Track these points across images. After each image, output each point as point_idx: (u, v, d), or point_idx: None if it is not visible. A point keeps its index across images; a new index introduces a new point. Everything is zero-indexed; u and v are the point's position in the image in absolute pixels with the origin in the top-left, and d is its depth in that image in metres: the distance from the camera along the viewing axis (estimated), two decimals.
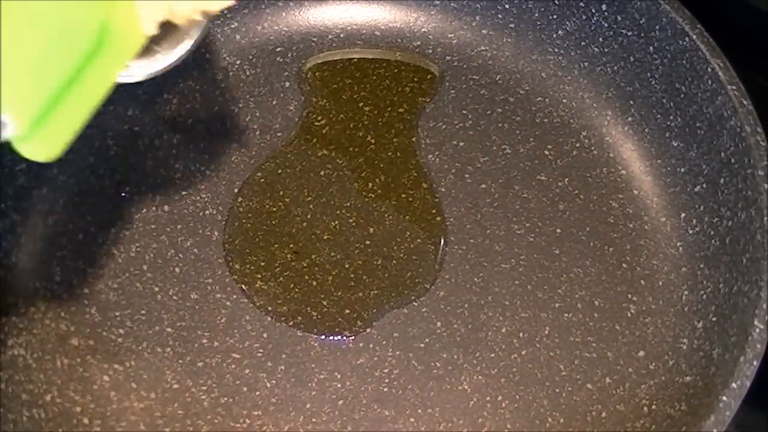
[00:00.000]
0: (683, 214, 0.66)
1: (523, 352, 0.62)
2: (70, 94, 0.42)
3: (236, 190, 0.67)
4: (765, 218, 0.58)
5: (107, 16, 0.44)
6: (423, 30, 0.75)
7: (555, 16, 0.72)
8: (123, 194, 0.66)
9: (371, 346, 0.61)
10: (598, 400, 0.60)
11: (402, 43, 0.74)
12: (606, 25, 0.70)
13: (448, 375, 0.60)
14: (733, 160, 0.62)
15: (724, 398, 0.53)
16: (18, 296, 0.61)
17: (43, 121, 0.41)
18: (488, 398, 0.60)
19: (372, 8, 0.75)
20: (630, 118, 0.70)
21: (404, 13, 0.75)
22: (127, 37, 0.47)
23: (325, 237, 0.65)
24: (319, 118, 0.70)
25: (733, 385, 0.53)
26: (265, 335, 0.61)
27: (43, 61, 0.40)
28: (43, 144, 0.42)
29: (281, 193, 0.67)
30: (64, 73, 0.42)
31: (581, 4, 0.70)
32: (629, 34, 0.69)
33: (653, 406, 0.59)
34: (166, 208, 0.66)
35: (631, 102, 0.70)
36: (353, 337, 0.61)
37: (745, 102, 0.61)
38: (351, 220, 0.66)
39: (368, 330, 0.62)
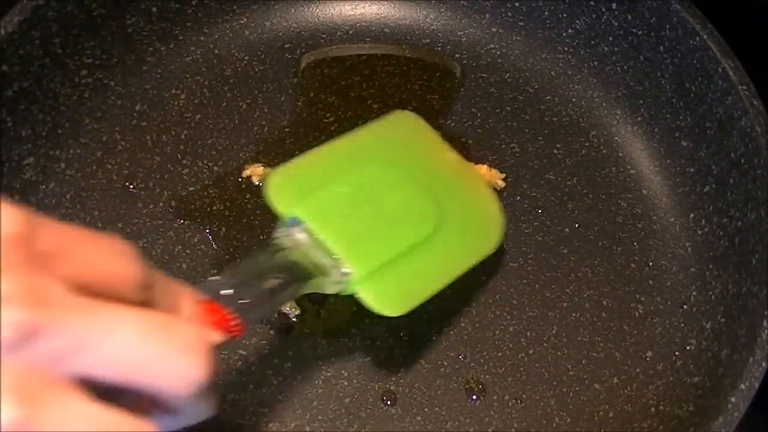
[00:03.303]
0: (692, 214, 0.66)
1: (531, 352, 0.61)
2: (407, 264, 0.52)
3: (244, 186, 0.67)
4: None
5: (441, 219, 0.54)
6: (432, 27, 0.74)
7: (565, 15, 0.72)
8: (130, 189, 0.66)
9: (378, 344, 0.61)
10: (605, 400, 0.60)
11: (411, 40, 0.74)
12: (616, 24, 0.69)
13: (455, 374, 0.60)
14: (742, 161, 0.61)
15: (733, 399, 0.52)
16: None
17: (380, 277, 0.50)
18: (495, 397, 0.60)
19: (381, 5, 0.75)
20: (639, 118, 0.70)
21: (414, 10, 0.75)
22: (483, 231, 0.59)
23: None
24: (328, 114, 0.70)
25: (742, 386, 0.53)
26: (272, 332, 0.61)
27: (381, 235, 0.52)
28: (381, 297, 0.50)
29: None
30: (398, 246, 0.52)
31: (591, 2, 0.70)
32: (639, 33, 0.68)
33: (661, 407, 0.59)
34: (173, 203, 0.66)
35: (641, 101, 0.70)
36: (360, 335, 0.61)
37: (755, 102, 0.61)
38: None
39: (375, 328, 0.62)
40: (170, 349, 0.35)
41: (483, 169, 0.67)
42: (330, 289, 0.49)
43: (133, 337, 0.34)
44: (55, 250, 0.34)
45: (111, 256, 0.37)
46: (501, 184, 0.67)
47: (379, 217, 0.53)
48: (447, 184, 0.58)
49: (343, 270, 0.49)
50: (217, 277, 0.44)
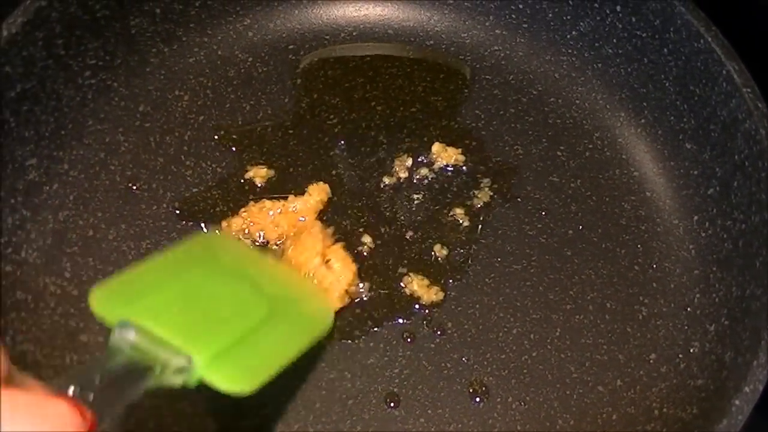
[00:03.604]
0: (696, 217, 0.66)
1: (534, 354, 0.61)
2: (246, 347, 0.53)
3: (247, 188, 0.67)
4: None
5: (271, 308, 0.56)
6: (436, 29, 0.74)
7: (569, 17, 0.72)
8: (133, 190, 0.66)
9: (381, 345, 0.61)
10: (608, 402, 0.60)
11: (415, 42, 0.74)
12: (620, 26, 0.69)
13: (459, 375, 0.60)
14: (746, 163, 0.61)
15: (737, 402, 0.52)
16: (27, 292, 0.61)
17: (223, 360, 0.51)
18: (498, 399, 0.60)
19: (385, 6, 0.75)
20: (643, 120, 0.70)
21: (417, 12, 0.75)
22: (313, 316, 0.60)
23: (335, 237, 0.65)
24: (331, 116, 0.70)
25: (746, 389, 0.53)
26: None
27: (215, 323, 0.53)
28: (228, 376, 0.50)
29: (292, 192, 0.66)
30: (233, 331, 0.53)
31: (595, 4, 0.70)
32: (643, 35, 0.68)
33: (664, 409, 0.59)
34: (176, 204, 0.66)
35: (645, 104, 0.70)
36: (363, 337, 0.61)
37: (759, 105, 0.61)
38: (362, 219, 0.66)
39: (378, 330, 0.62)
40: (45, 427, 0.35)
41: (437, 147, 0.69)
42: (175, 381, 0.49)
43: (7, 419, 0.34)
44: None
45: None
46: (461, 158, 0.68)
47: (209, 309, 0.54)
48: (270, 280, 0.60)
49: (183, 360, 0.49)
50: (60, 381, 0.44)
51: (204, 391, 0.49)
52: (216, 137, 0.69)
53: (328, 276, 0.62)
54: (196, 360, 0.49)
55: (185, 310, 0.53)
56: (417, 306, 0.63)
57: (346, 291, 0.62)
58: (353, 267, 0.63)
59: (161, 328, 0.50)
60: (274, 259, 0.63)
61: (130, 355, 0.48)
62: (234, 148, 0.68)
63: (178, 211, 0.66)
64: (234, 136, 0.69)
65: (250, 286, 0.57)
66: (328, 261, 0.62)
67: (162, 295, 0.53)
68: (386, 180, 0.67)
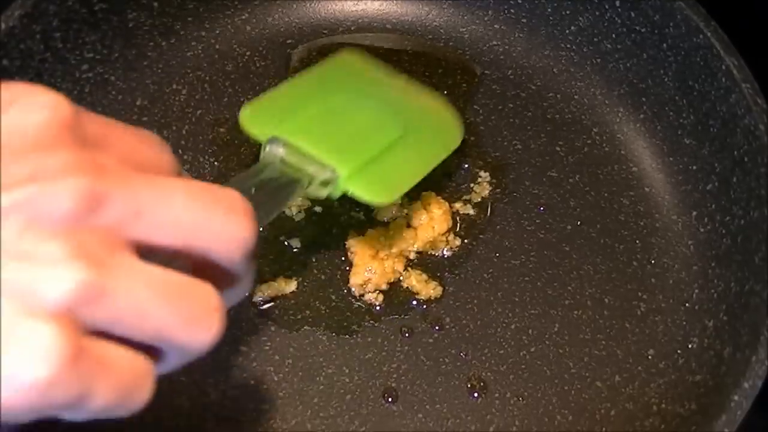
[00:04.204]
0: (695, 212, 0.66)
1: (532, 349, 0.61)
2: (385, 161, 0.59)
3: None
4: None
5: (406, 125, 0.61)
6: (434, 24, 0.74)
7: (568, 12, 0.72)
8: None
9: (379, 341, 0.61)
10: (607, 398, 0.60)
11: (413, 36, 0.74)
12: (619, 21, 0.69)
13: (457, 371, 0.60)
14: (746, 159, 0.61)
15: (736, 398, 0.52)
16: None
17: (364, 173, 0.57)
18: (496, 395, 0.60)
19: (383, 1, 0.75)
20: (642, 115, 0.70)
21: (416, 6, 0.74)
22: (443, 131, 0.65)
23: (333, 231, 0.65)
24: None
25: (745, 384, 0.53)
26: (272, 328, 0.61)
27: (355, 140, 0.59)
28: (370, 188, 0.56)
29: None
30: (373, 147, 0.59)
31: (594, 0, 0.70)
32: (642, 30, 0.68)
33: (663, 405, 0.59)
34: None
35: (644, 99, 0.70)
36: (361, 332, 0.61)
37: (759, 100, 0.61)
38: (362, 217, 0.65)
39: (376, 325, 0.61)
40: (218, 210, 0.37)
41: None
42: (320, 193, 0.55)
43: (185, 202, 0.36)
44: (99, 137, 0.36)
45: (148, 145, 0.39)
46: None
47: (350, 128, 0.60)
48: (404, 99, 0.65)
49: (329, 173, 0.55)
50: None
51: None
52: (214, 131, 0.69)
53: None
54: (341, 172, 0.55)
55: (329, 128, 0.59)
56: (415, 301, 0.62)
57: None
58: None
59: (308, 143, 0.55)
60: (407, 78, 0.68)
61: (280, 168, 0.53)
62: (232, 143, 0.68)
63: None
64: (232, 131, 0.68)
65: (386, 104, 0.63)
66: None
67: (307, 113, 0.59)
68: None
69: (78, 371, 0.31)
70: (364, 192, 0.56)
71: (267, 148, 0.55)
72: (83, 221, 0.32)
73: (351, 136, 0.59)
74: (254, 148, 0.68)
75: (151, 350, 0.35)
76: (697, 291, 0.63)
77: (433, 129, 0.64)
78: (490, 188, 0.67)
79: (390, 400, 0.59)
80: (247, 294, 0.43)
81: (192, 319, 0.35)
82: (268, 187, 0.51)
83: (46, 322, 0.31)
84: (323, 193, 0.55)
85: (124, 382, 0.33)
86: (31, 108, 0.34)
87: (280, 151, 0.54)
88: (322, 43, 0.73)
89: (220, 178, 0.66)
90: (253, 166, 0.53)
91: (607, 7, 0.69)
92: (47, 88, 0.35)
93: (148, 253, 0.35)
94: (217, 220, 0.37)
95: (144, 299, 0.34)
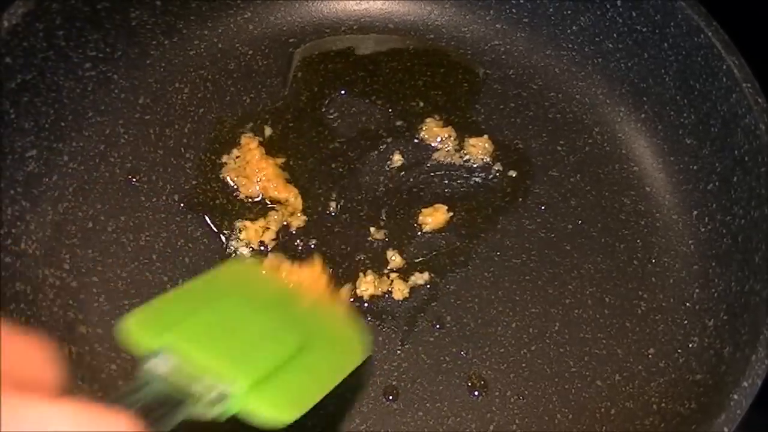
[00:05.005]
0: (695, 212, 0.66)
1: (533, 348, 0.61)
2: (283, 376, 0.51)
3: None
4: None
5: (306, 336, 0.54)
6: (437, 23, 0.74)
7: (569, 12, 0.72)
8: (133, 182, 0.66)
9: (380, 339, 0.61)
10: (607, 396, 0.60)
11: (415, 36, 0.74)
12: (620, 21, 0.69)
13: (457, 369, 0.60)
14: (746, 158, 0.61)
15: (735, 397, 0.52)
16: (26, 283, 0.61)
17: (263, 388, 0.49)
18: (497, 393, 0.60)
19: (386, 1, 0.75)
20: (643, 115, 0.70)
21: (418, 6, 0.75)
22: (346, 347, 0.58)
23: (335, 230, 0.65)
24: (332, 110, 0.70)
25: (745, 383, 0.53)
26: None
27: (252, 351, 0.51)
28: (271, 404, 0.49)
29: (293, 184, 0.66)
30: (271, 359, 0.51)
31: None
32: (644, 30, 0.68)
33: (663, 404, 0.59)
34: (176, 197, 0.66)
35: (645, 98, 0.70)
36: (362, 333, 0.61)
37: (759, 100, 0.61)
38: (362, 215, 0.66)
39: (377, 323, 0.62)
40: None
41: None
42: (210, 412, 0.47)
43: (68, 428, 0.34)
44: None
45: (34, 359, 0.37)
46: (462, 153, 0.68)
47: (246, 338, 0.53)
48: (302, 311, 0.58)
49: (221, 390, 0.47)
50: None
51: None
52: (216, 129, 0.69)
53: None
54: (237, 387, 0.48)
55: (222, 338, 0.51)
56: (416, 299, 0.62)
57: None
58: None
59: (200, 354, 0.48)
60: (307, 292, 0.61)
61: (164, 385, 0.46)
62: (234, 141, 0.68)
63: (177, 203, 0.65)
64: (234, 129, 0.69)
65: (282, 316, 0.56)
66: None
67: (197, 322, 0.51)
68: (385, 173, 0.67)
69: None
70: (263, 409, 0.49)
71: (149, 362, 0.47)
72: None
73: (246, 346, 0.52)
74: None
75: None
76: (697, 290, 0.63)
77: (335, 342, 0.58)
78: (491, 187, 0.67)
79: (391, 398, 0.59)
80: None
81: None
82: (150, 406, 0.44)
83: None
84: (212, 412, 0.48)
85: None
86: None
87: (165, 364, 0.47)
88: (324, 42, 0.73)
89: (222, 176, 0.67)
90: (134, 380, 0.47)
91: (608, 6, 0.69)
92: None
93: None
94: None
95: None
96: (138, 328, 0.50)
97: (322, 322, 0.59)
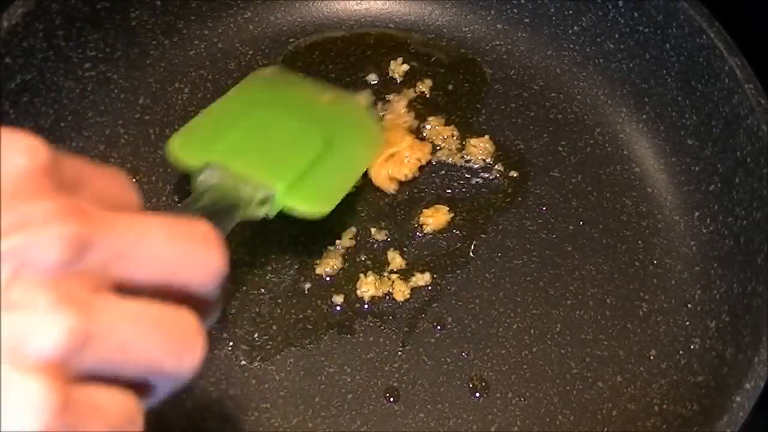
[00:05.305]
0: (697, 213, 0.66)
1: (534, 349, 0.61)
2: (316, 173, 0.59)
3: None
4: None
5: (329, 135, 0.62)
6: (437, 23, 0.74)
7: (570, 12, 0.72)
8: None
9: (381, 340, 0.61)
10: (608, 398, 0.60)
11: (416, 35, 0.74)
12: (622, 21, 0.69)
13: (458, 371, 0.60)
14: (748, 159, 0.61)
15: (738, 399, 0.52)
16: None
17: (299, 187, 0.58)
18: (498, 395, 0.60)
19: (386, 0, 0.75)
20: (645, 116, 0.70)
21: (419, 5, 0.74)
22: (366, 139, 0.67)
23: (336, 229, 0.65)
24: None
25: (747, 385, 0.53)
26: (274, 327, 0.61)
27: (285, 155, 0.60)
28: (307, 200, 0.58)
29: None
30: (302, 160, 0.60)
31: (597, 0, 0.70)
32: (645, 30, 0.68)
33: (664, 406, 0.59)
34: (176, 197, 0.66)
35: (646, 99, 0.69)
36: (363, 331, 0.61)
37: (762, 101, 0.61)
38: (363, 214, 0.65)
39: (378, 324, 0.61)
40: (195, 243, 0.37)
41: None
42: (258, 212, 0.55)
43: (164, 239, 0.36)
44: (74, 179, 0.37)
45: (118, 184, 0.40)
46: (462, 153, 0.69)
47: (277, 143, 0.61)
48: (323, 108, 0.66)
49: (264, 192, 0.55)
50: None
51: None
52: None
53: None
54: (278, 189, 0.56)
55: (258, 147, 0.59)
56: (417, 300, 0.62)
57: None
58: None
59: (241, 165, 0.56)
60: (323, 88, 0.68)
61: (216, 194, 0.53)
62: None
63: (177, 205, 0.65)
64: None
65: (307, 117, 0.64)
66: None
67: (234, 136, 0.60)
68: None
69: (68, 421, 0.31)
70: (302, 205, 0.57)
71: (201, 176, 0.55)
72: (70, 267, 0.33)
73: (280, 152, 0.60)
74: None
75: (138, 384, 0.36)
76: (699, 292, 0.63)
77: (356, 134, 0.66)
78: (493, 188, 0.67)
79: (391, 399, 0.59)
80: (219, 315, 0.43)
81: (177, 348, 0.36)
82: (208, 214, 0.50)
83: (36, 375, 0.31)
84: (260, 212, 0.56)
85: (114, 424, 0.34)
86: (9, 154, 0.34)
87: (214, 176, 0.54)
88: (319, 42, 0.73)
89: None
90: (190, 196, 0.53)
91: (610, 7, 0.69)
92: (25, 132, 0.35)
93: (129, 287, 0.35)
94: (194, 254, 0.37)
95: (131, 337, 0.34)
96: (183, 149, 0.59)
97: (343, 115, 0.67)
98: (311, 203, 0.58)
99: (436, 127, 0.69)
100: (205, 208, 0.51)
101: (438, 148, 0.68)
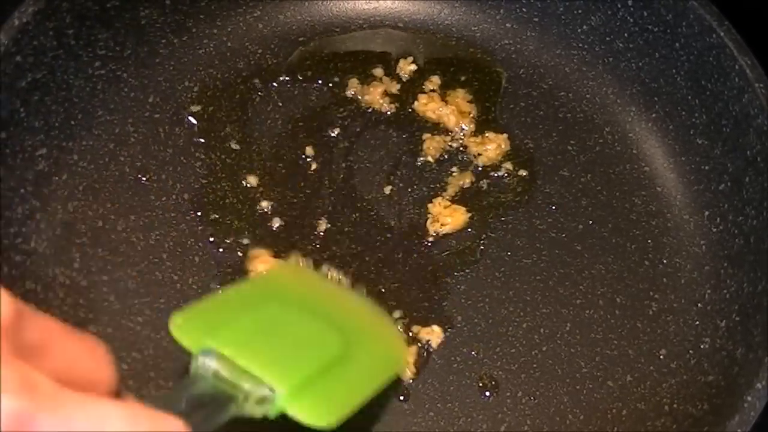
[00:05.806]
0: (707, 212, 0.65)
1: (544, 348, 0.61)
2: (326, 381, 0.52)
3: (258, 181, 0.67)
4: None
5: (347, 343, 0.55)
6: (446, 22, 0.74)
7: (580, 11, 0.72)
8: (143, 181, 0.66)
9: None
10: (618, 397, 0.60)
11: (425, 35, 0.74)
12: (631, 20, 0.69)
13: (468, 370, 0.60)
14: (758, 159, 0.61)
15: (749, 398, 0.52)
16: (37, 282, 0.61)
17: (305, 392, 0.50)
18: (508, 394, 0.60)
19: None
20: (654, 115, 0.70)
21: (428, 4, 0.74)
22: (388, 352, 0.60)
23: (345, 229, 0.65)
24: (341, 109, 0.70)
25: (758, 385, 0.52)
26: None
27: (295, 355, 0.53)
28: (311, 409, 0.50)
29: (302, 184, 0.66)
30: (313, 363, 0.52)
31: None
32: (655, 29, 0.68)
33: (674, 405, 0.59)
34: (185, 195, 0.66)
35: (656, 98, 0.69)
36: None
37: None
38: (372, 213, 0.65)
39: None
40: None
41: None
42: (255, 412, 0.49)
43: (129, 429, 0.34)
44: (38, 345, 0.35)
45: (89, 357, 0.38)
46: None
47: (288, 341, 0.54)
48: (344, 314, 0.59)
49: (266, 391, 0.49)
50: None
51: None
52: (225, 128, 0.69)
53: None
54: (279, 391, 0.49)
55: (266, 341, 0.53)
56: (427, 299, 0.62)
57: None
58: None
59: (244, 357, 0.49)
60: (349, 292, 0.63)
61: (212, 383, 0.48)
62: (244, 140, 0.68)
63: (187, 202, 0.65)
64: (243, 127, 0.69)
65: (325, 319, 0.57)
66: None
67: (242, 325, 0.53)
68: (395, 173, 0.67)
69: None
70: (305, 413, 0.50)
71: (199, 361, 0.49)
72: None
73: (289, 350, 0.54)
74: (260, 145, 0.68)
75: None
76: (709, 291, 0.63)
77: (376, 347, 0.59)
78: (502, 187, 0.67)
79: (402, 398, 0.59)
80: None
81: None
82: (200, 402, 0.46)
83: None
84: (259, 411, 0.49)
85: None
86: None
87: (213, 363, 0.49)
88: (333, 41, 0.73)
89: (232, 176, 0.66)
90: (184, 379, 0.50)
91: (619, 6, 0.69)
92: None
93: None
94: None
95: None
96: (186, 327, 0.52)
97: (366, 325, 0.60)
98: (316, 414, 0.50)
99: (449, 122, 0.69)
100: (197, 397, 0.47)
101: (449, 145, 0.68)
